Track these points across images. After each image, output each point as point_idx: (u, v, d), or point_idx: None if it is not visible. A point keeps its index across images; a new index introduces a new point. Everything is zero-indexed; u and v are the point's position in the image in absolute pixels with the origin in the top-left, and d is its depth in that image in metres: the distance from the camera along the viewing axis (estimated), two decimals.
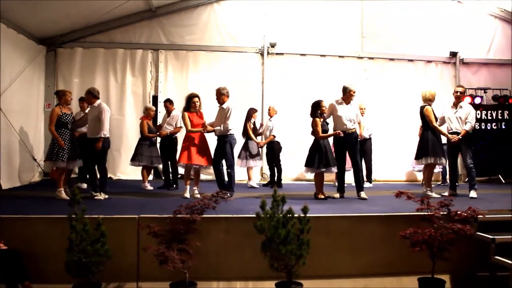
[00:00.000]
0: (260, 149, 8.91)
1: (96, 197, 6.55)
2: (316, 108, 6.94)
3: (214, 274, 4.91)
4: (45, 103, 9.74)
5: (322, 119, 6.96)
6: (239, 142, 8.62)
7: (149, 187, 8.18)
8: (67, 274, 4.29)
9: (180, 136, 7.76)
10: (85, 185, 7.86)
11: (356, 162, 7.11)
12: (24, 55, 8.80)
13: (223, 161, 6.99)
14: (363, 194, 7.01)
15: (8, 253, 4.53)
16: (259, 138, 8.97)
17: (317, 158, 6.79)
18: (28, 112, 9.06)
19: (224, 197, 5.01)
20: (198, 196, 6.67)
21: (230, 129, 6.86)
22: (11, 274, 4.52)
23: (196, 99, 6.98)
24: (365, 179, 9.15)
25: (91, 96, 6.80)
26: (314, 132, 6.93)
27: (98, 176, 6.79)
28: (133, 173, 9.14)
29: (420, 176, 9.82)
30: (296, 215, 4.39)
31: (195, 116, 6.96)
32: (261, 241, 4.37)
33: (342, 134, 6.91)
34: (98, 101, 6.80)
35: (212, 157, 7.00)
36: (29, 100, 9.16)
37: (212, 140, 7.19)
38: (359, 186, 7.10)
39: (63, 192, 6.63)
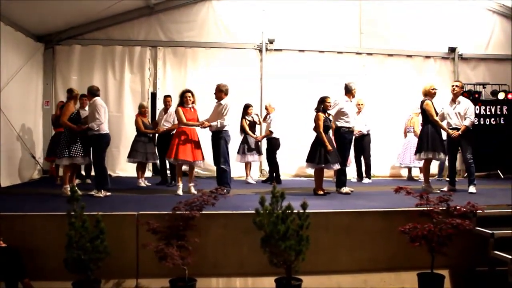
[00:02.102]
0: (259, 143, 8.88)
1: (95, 195, 6.53)
2: (320, 103, 6.96)
3: (213, 270, 4.92)
4: (43, 101, 9.71)
5: (326, 115, 6.98)
6: (238, 139, 8.64)
7: (142, 184, 8.18)
8: (66, 271, 4.30)
9: None
10: (77, 181, 7.87)
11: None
12: (22, 52, 8.76)
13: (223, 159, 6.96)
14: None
15: (7, 251, 4.53)
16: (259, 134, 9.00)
17: (318, 154, 6.78)
18: (27, 110, 9.04)
19: (222, 193, 5.00)
20: (195, 192, 6.67)
21: (226, 125, 6.87)
22: (11, 271, 4.52)
23: (189, 94, 6.99)
24: (364, 175, 9.20)
25: (89, 94, 6.84)
26: (316, 127, 6.92)
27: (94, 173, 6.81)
28: (132, 170, 9.12)
29: (404, 172, 10.02)
30: (295, 211, 4.39)
31: (188, 111, 6.97)
32: (260, 237, 4.37)
33: (331, 150, 6.79)
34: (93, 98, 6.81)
35: (203, 153, 7.01)
36: (28, 97, 9.14)
37: (206, 137, 7.20)
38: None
39: (69, 189, 6.61)
